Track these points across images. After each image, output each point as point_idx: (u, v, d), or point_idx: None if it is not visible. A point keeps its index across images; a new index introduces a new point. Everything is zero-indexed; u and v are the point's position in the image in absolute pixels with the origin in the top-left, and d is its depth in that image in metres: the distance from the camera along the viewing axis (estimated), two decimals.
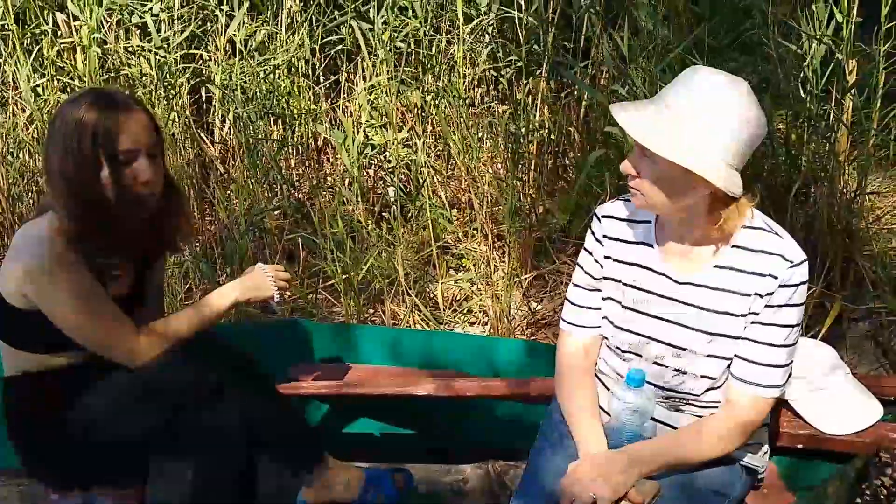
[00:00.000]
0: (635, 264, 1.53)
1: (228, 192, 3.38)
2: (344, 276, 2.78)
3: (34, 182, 3.31)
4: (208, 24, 3.47)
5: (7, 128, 3.29)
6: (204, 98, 3.68)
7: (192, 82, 3.49)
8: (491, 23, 3.34)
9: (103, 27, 3.26)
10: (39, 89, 3.32)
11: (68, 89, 3.32)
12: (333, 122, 3.55)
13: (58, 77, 3.32)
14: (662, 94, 1.37)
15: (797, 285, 1.40)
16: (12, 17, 3.26)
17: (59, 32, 3.35)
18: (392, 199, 3.15)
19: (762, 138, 1.37)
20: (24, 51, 3.27)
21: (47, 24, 3.33)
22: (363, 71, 3.52)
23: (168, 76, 3.30)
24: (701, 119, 1.31)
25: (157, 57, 3.26)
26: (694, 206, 1.39)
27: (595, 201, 2.84)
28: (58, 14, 3.31)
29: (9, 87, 3.35)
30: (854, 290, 2.47)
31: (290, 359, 2.28)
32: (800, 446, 1.74)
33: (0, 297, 1.62)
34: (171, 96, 3.35)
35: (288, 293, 1.89)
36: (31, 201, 3.31)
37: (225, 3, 3.36)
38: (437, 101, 3.25)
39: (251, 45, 3.37)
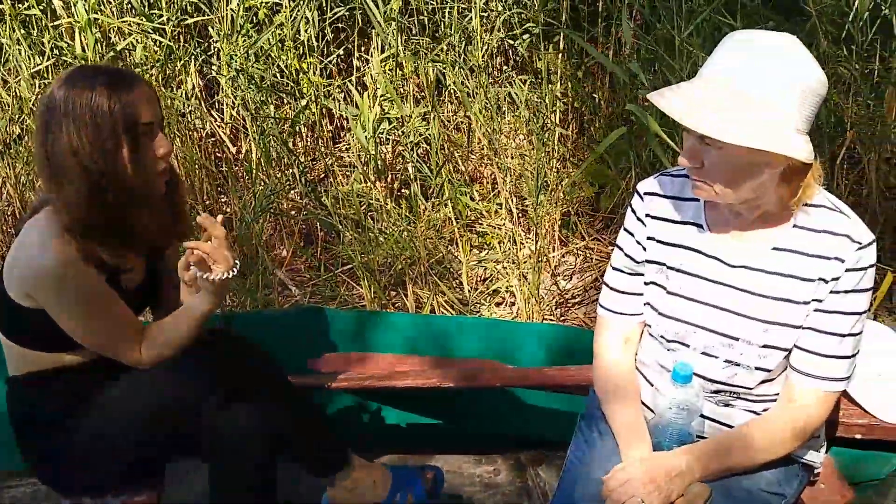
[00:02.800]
0: (682, 246, 1.41)
1: (240, 173, 3.28)
2: (363, 259, 2.67)
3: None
4: None
5: (10, 113, 3.19)
6: (209, 76, 3.56)
7: (197, 60, 3.36)
8: None
9: (101, 7, 3.14)
10: (42, 72, 3.22)
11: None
12: (346, 99, 3.42)
13: (63, 59, 3.21)
14: (707, 70, 1.24)
15: (865, 269, 1.28)
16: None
17: (56, 12, 3.23)
18: (411, 177, 3.03)
19: (825, 90, 1.24)
20: (22, 35, 3.17)
21: (41, 3, 3.21)
22: (376, 43, 3.38)
23: (172, 56, 3.18)
24: (761, 89, 1.18)
25: (159, 34, 3.14)
26: (765, 186, 1.26)
27: (623, 173, 2.71)
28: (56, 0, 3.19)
29: (11, 72, 3.25)
30: None
31: (311, 348, 2.21)
32: (858, 437, 1.63)
33: (5, 294, 1.55)
34: (176, 76, 3.24)
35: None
36: (39, 190, 3.23)
37: None
38: (453, 72, 3.11)
39: (255, 19, 3.23)
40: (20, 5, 3.25)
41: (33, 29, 3.25)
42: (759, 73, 1.18)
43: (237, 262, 1.58)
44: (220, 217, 1.58)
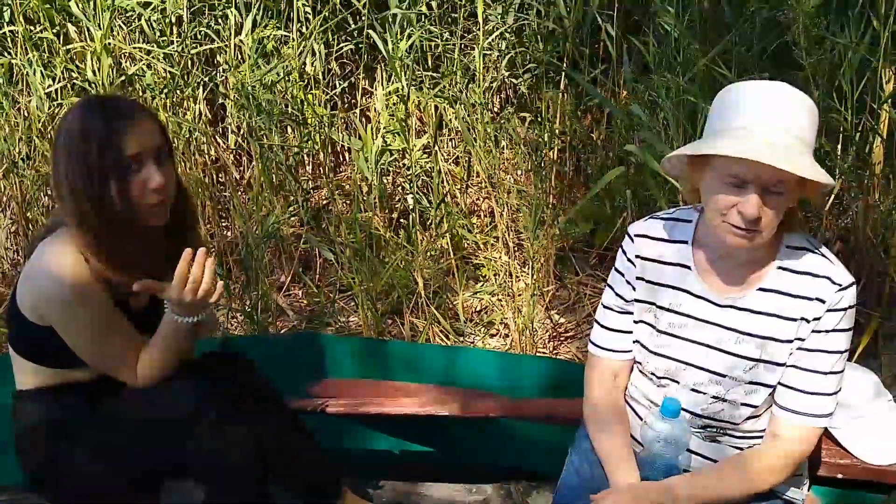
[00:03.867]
0: (671, 286, 1.46)
1: (244, 197, 3.33)
2: (362, 287, 2.72)
3: (46, 186, 3.27)
4: (220, 25, 3.42)
5: (21, 132, 3.25)
6: (218, 103, 3.63)
7: (206, 87, 3.44)
8: (509, 29, 3.26)
9: (113, 32, 3.21)
10: (53, 93, 3.28)
11: (82, 95, 3.28)
12: (350, 129, 3.49)
13: (74, 82, 3.27)
14: (735, 124, 1.29)
15: (845, 309, 1.33)
16: (21, 18, 3.22)
17: (68, 35, 3.30)
18: (411, 207, 3.09)
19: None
20: (37, 57, 3.23)
21: (55, 26, 3.28)
22: (381, 75, 3.46)
23: (181, 82, 3.25)
24: (807, 129, 1.28)
25: (169, 62, 3.21)
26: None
27: (620, 211, 2.77)
28: (70, 25, 3.26)
29: (22, 93, 3.31)
30: (890, 307, 2.39)
31: (307, 373, 2.24)
32: (840, 476, 1.67)
33: (17, 310, 1.59)
34: (183, 101, 3.30)
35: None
36: (42, 208, 3.27)
37: (234, 7, 3.30)
38: (455, 108, 3.18)
39: (263, 50, 3.31)
40: (33, 28, 3.32)
41: (46, 52, 3.32)
42: (802, 119, 1.27)
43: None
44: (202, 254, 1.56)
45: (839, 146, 2.49)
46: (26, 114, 3.28)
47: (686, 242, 1.46)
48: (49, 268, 1.52)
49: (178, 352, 1.64)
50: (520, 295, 2.75)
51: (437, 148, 3.09)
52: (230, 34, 3.26)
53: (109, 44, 3.15)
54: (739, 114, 1.29)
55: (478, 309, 2.92)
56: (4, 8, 3.27)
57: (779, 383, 1.39)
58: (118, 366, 1.62)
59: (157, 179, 1.51)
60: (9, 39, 3.35)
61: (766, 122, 1.26)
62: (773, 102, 1.28)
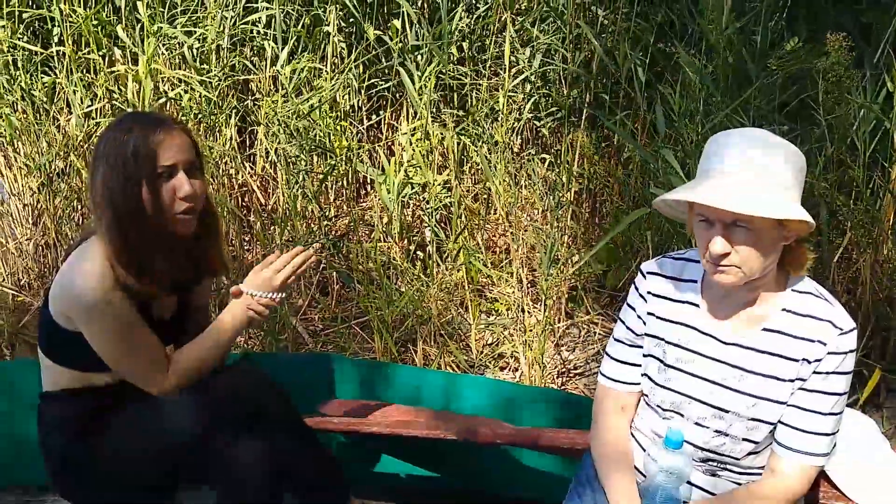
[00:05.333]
0: (680, 323, 1.52)
1: (269, 223, 3.42)
2: (378, 313, 2.79)
3: (80, 204, 3.38)
4: (257, 56, 3.56)
5: (56, 149, 3.37)
6: (248, 129, 3.75)
7: (238, 113, 3.56)
8: (534, 73, 3.38)
9: (157, 56, 3.35)
10: (92, 113, 3.41)
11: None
12: (374, 160, 3.59)
13: (113, 103, 3.40)
14: (707, 169, 1.37)
15: (846, 353, 1.38)
16: (70, 40, 3.36)
17: (113, 58, 3.44)
18: (429, 240, 3.17)
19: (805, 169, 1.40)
20: (79, 78, 3.37)
21: (101, 49, 3.42)
22: (406, 111, 3.58)
23: (216, 108, 3.37)
24: (777, 170, 1.33)
25: (204, 89, 3.33)
26: (774, 260, 1.39)
27: (634, 254, 2.83)
28: (116, 49, 3.40)
29: (62, 112, 3.44)
30: (895, 359, 2.43)
31: (320, 392, 2.29)
32: None
33: (48, 314, 1.66)
34: (217, 127, 3.42)
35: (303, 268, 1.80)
36: (74, 223, 3.37)
37: (272, 40, 3.44)
38: (478, 146, 3.29)
39: (297, 81, 3.44)
40: (80, 49, 3.47)
41: (89, 72, 3.46)
42: (769, 159, 1.33)
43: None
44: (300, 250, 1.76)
45: (851, 200, 2.56)
46: (65, 130, 3.40)
47: (695, 281, 1.52)
48: (76, 272, 1.60)
49: (223, 345, 1.72)
50: (531, 330, 2.81)
51: (457, 183, 3.18)
52: (266, 65, 3.39)
53: (157, 69, 3.29)
54: (710, 159, 1.38)
55: (490, 342, 2.98)
56: (54, 29, 3.42)
57: (779, 421, 1.43)
58: (142, 371, 1.67)
59: (186, 188, 1.61)
60: (55, 59, 3.49)
61: (729, 165, 1.35)
62: (740, 148, 1.35)
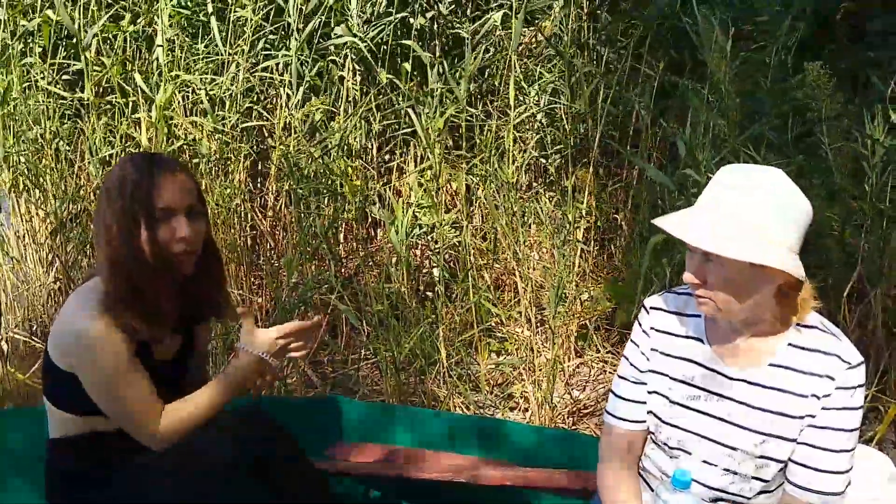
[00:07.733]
0: (685, 359, 1.51)
1: (277, 265, 3.44)
2: (387, 354, 2.78)
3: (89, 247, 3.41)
4: (271, 99, 3.61)
5: (71, 194, 3.41)
6: (260, 170, 3.80)
7: (251, 157, 3.61)
8: (541, 110, 3.41)
9: (172, 104, 3.42)
10: (109, 158, 3.46)
11: None
12: (383, 202, 3.62)
13: (128, 147, 3.46)
14: (704, 199, 1.38)
15: (855, 387, 1.36)
16: (92, 87, 3.44)
17: (135, 105, 3.50)
18: (437, 280, 3.17)
19: (811, 217, 1.37)
20: (99, 124, 3.43)
21: (126, 96, 3.49)
22: (415, 152, 3.61)
23: (229, 154, 3.42)
24: (755, 212, 1.31)
25: (218, 136, 3.39)
26: (762, 303, 1.37)
27: (643, 291, 2.81)
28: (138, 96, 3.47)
29: (83, 156, 3.50)
30: None
31: (328, 435, 2.27)
32: None
33: (48, 357, 1.66)
34: (228, 171, 3.47)
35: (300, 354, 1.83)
36: (83, 270, 3.40)
37: (287, 86, 3.50)
38: (485, 185, 3.30)
39: (309, 124, 3.49)
40: (103, 96, 3.54)
41: (110, 119, 3.52)
42: (752, 198, 1.32)
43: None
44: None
45: (862, 234, 2.54)
46: (78, 176, 3.46)
47: (700, 316, 1.51)
48: (72, 313, 1.61)
49: (218, 406, 1.70)
50: (540, 369, 2.79)
51: (465, 223, 3.19)
52: (279, 109, 3.45)
53: (171, 117, 3.35)
54: (704, 191, 1.39)
55: (499, 381, 2.96)
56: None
57: (790, 460, 1.41)
58: (134, 419, 1.64)
59: (184, 230, 1.62)
60: (77, 105, 3.57)
61: (704, 201, 1.37)
62: (718, 184, 1.36)
